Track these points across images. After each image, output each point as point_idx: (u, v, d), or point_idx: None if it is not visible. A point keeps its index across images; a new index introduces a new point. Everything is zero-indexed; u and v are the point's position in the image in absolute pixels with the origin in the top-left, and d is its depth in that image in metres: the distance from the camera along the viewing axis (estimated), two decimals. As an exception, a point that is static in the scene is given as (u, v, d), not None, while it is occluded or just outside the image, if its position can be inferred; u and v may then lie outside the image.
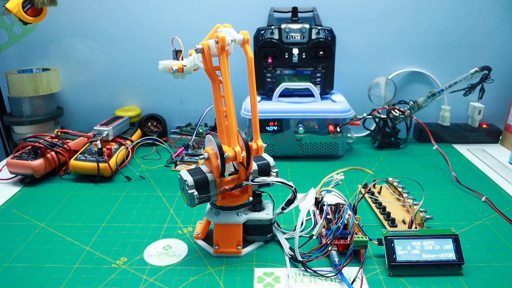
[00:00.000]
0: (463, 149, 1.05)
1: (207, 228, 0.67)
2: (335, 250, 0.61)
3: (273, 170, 0.65)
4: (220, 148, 0.58)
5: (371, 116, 1.03)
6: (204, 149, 0.62)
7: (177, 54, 0.80)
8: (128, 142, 0.97)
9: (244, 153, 0.59)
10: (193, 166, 0.94)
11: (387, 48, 1.10)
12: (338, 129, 0.95)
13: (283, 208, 0.66)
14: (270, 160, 0.65)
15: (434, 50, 1.10)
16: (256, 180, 0.62)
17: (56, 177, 0.90)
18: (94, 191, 0.84)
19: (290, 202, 0.64)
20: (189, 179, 0.58)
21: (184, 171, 0.61)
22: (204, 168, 0.62)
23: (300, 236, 0.63)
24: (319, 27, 0.99)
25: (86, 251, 0.64)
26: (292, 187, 0.63)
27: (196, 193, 0.58)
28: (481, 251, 0.63)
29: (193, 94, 1.14)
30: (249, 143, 0.61)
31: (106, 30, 1.09)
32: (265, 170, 0.64)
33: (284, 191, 0.81)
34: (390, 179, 0.80)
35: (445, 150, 0.98)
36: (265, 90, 1.03)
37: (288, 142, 0.98)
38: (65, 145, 0.92)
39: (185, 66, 0.76)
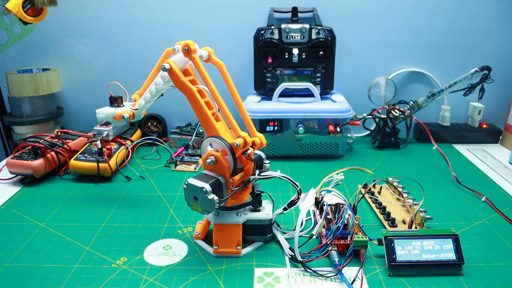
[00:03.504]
0: (463, 149, 1.05)
1: (207, 228, 0.67)
2: (335, 250, 0.61)
3: (265, 162, 0.65)
4: (228, 145, 0.58)
5: (371, 116, 1.03)
6: (204, 155, 0.61)
7: (117, 101, 0.73)
8: (128, 142, 0.97)
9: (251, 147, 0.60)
10: (193, 167, 0.94)
11: (387, 48, 1.10)
12: (338, 129, 0.95)
13: (284, 209, 0.65)
14: (261, 153, 0.66)
15: (434, 50, 1.10)
16: (262, 174, 0.62)
17: (56, 177, 0.90)
18: (94, 191, 0.84)
19: (293, 203, 0.64)
20: (206, 185, 0.56)
21: (191, 179, 0.58)
22: (209, 173, 0.61)
23: (300, 236, 0.62)
24: (319, 27, 0.99)
25: (86, 251, 0.64)
26: (298, 186, 0.62)
27: (216, 197, 0.56)
28: (481, 251, 0.63)
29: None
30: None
31: (106, 30, 1.09)
32: (258, 163, 0.65)
33: (284, 191, 0.82)
34: (390, 179, 0.80)
35: (445, 150, 0.98)
36: (265, 90, 1.03)
37: (288, 142, 0.97)
38: (65, 145, 0.92)
39: (136, 110, 0.70)
